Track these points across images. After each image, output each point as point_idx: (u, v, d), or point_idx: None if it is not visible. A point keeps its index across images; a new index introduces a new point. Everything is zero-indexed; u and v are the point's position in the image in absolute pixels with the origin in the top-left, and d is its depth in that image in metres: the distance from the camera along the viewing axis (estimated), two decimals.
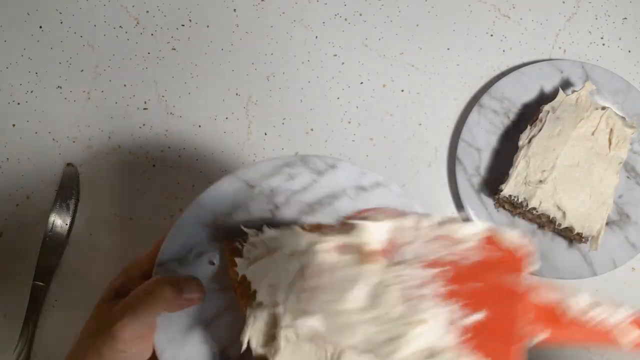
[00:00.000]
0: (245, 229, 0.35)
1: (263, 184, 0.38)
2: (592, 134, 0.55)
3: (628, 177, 0.57)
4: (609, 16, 0.63)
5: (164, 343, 0.35)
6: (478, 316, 0.24)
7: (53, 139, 0.60)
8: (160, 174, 0.59)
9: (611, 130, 0.55)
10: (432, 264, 0.25)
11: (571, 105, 0.56)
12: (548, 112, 0.55)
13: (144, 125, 0.60)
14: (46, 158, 0.59)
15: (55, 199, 0.57)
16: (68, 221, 0.57)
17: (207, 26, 0.63)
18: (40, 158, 0.59)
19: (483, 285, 0.25)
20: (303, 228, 0.33)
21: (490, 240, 0.26)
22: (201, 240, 0.37)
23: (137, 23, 0.63)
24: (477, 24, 0.63)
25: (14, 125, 0.60)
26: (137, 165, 0.59)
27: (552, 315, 0.26)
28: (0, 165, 0.59)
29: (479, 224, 0.26)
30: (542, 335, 0.25)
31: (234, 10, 0.63)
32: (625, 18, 0.63)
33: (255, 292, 0.32)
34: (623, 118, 0.56)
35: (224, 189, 0.38)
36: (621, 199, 0.56)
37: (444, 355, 0.23)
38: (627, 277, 0.57)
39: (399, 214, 0.27)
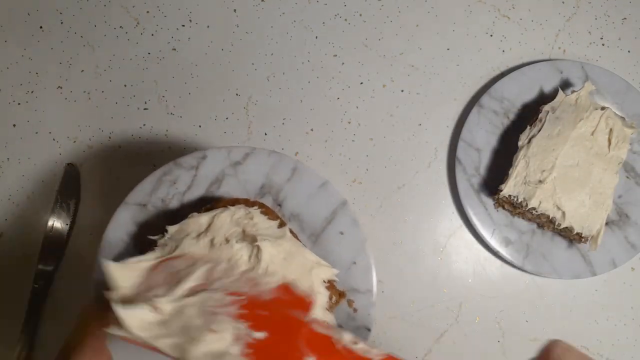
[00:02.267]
0: (152, 237, 0.39)
1: (152, 199, 0.43)
2: (592, 134, 0.55)
3: (627, 177, 0.57)
4: (609, 16, 0.63)
5: None
6: (260, 335, 0.30)
7: (53, 139, 0.60)
8: None
9: (611, 130, 0.55)
10: (233, 293, 0.32)
11: (571, 105, 0.56)
12: (548, 112, 0.55)
13: (144, 125, 0.60)
14: (46, 158, 0.59)
15: (55, 199, 0.57)
16: (68, 221, 0.57)
17: (207, 26, 0.63)
18: (40, 158, 0.59)
19: (270, 313, 0.32)
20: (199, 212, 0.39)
21: (285, 287, 0.34)
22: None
23: (138, 23, 0.63)
24: (477, 24, 0.63)
25: (14, 125, 0.60)
26: (137, 165, 0.59)
27: (329, 343, 0.32)
28: (0, 165, 0.59)
29: (275, 279, 0.34)
30: (311, 357, 0.31)
31: (234, 10, 0.64)
32: (625, 18, 0.63)
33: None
34: (623, 118, 0.56)
35: (122, 218, 0.43)
36: (621, 199, 0.57)
37: (230, 357, 0.29)
38: (626, 277, 0.57)
39: (212, 258, 0.34)
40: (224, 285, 0.33)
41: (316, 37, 0.63)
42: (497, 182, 0.55)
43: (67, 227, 0.57)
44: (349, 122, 0.61)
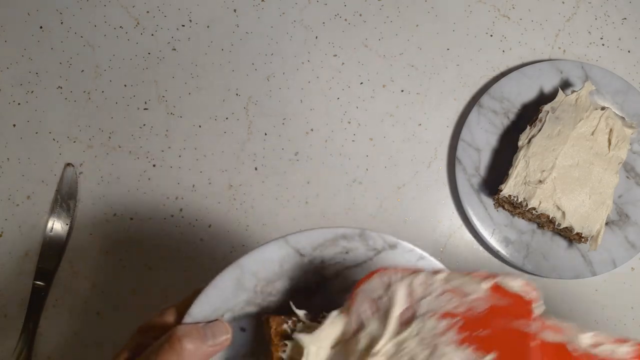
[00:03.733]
0: (296, 311, 0.33)
1: (315, 254, 0.35)
2: (592, 134, 0.55)
3: (627, 177, 0.57)
4: (609, 16, 0.63)
5: None
6: (489, 358, 0.27)
7: (53, 139, 0.60)
8: (160, 174, 0.59)
9: (611, 130, 0.55)
10: (446, 315, 0.29)
11: (571, 105, 0.56)
12: (548, 112, 0.55)
13: (144, 125, 0.60)
14: (46, 158, 0.59)
15: (55, 199, 0.57)
16: (68, 221, 0.57)
17: (207, 26, 0.63)
18: (40, 158, 0.59)
19: (492, 330, 0.28)
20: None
21: (496, 288, 0.29)
22: (236, 305, 0.34)
23: (138, 23, 0.63)
24: (477, 24, 0.63)
25: (14, 125, 0.60)
26: (137, 165, 0.59)
27: (564, 353, 0.28)
28: (1, 165, 0.59)
29: (482, 278, 0.29)
30: None
31: (234, 10, 0.64)
32: (625, 18, 0.63)
33: None
34: (623, 118, 0.56)
35: (272, 254, 0.35)
36: (621, 199, 0.57)
37: None
38: (626, 277, 0.57)
39: (411, 270, 0.30)
40: (432, 306, 0.29)
41: (316, 37, 0.63)
42: (497, 182, 0.55)
43: (67, 227, 0.57)
44: (349, 122, 0.61)
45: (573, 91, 0.57)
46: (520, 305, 0.29)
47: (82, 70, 0.61)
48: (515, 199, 0.54)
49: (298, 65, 0.62)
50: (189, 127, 0.60)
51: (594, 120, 0.55)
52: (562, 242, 0.56)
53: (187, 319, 0.33)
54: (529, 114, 0.58)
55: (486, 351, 0.28)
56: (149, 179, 0.59)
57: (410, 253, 0.36)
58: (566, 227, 0.53)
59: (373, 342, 0.29)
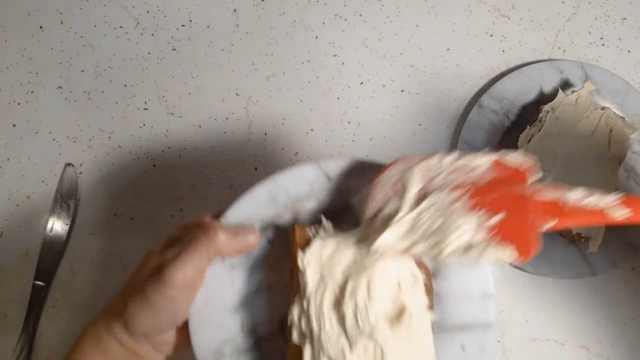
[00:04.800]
0: (324, 220, 0.36)
1: (342, 180, 0.38)
2: (592, 134, 0.55)
3: (628, 177, 0.57)
4: (609, 16, 0.63)
5: (200, 303, 0.36)
6: (498, 217, 0.32)
7: (53, 139, 0.60)
8: (160, 174, 0.59)
9: (611, 130, 0.55)
10: (456, 187, 0.33)
11: (571, 105, 0.56)
12: (548, 112, 0.55)
13: (144, 125, 0.60)
14: (46, 158, 0.59)
15: (55, 199, 0.57)
16: (68, 221, 0.57)
17: (207, 26, 0.63)
18: (40, 158, 0.59)
19: (498, 194, 0.33)
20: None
21: (497, 163, 0.34)
22: (266, 216, 0.37)
23: (138, 23, 0.63)
24: (477, 24, 0.63)
25: (14, 125, 0.60)
26: (137, 165, 0.59)
27: (556, 207, 0.33)
28: (1, 165, 0.59)
29: (487, 154, 0.34)
30: (550, 223, 0.32)
31: (234, 10, 0.64)
32: (625, 18, 0.63)
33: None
34: (623, 118, 0.56)
35: (304, 175, 0.38)
36: None
37: (477, 247, 0.31)
38: (627, 277, 0.57)
39: (425, 156, 0.34)
40: (444, 182, 0.33)
41: (316, 37, 0.63)
42: None
43: (67, 227, 0.57)
44: (349, 122, 0.61)
45: (573, 91, 0.57)
46: (517, 175, 0.34)
47: (82, 70, 0.61)
48: None
49: (298, 65, 0.62)
50: (189, 127, 0.60)
51: (594, 120, 0.55)
52: (562, 242, 0.56)
53: (223, 221, 0.37)
54: (529, 114, 0.58)
55: (495, 212, 0.32)
56: (149, 179, 0.59)
57: None
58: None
59: (392, 215, 0.32)
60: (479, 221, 0.32)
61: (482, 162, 0.34)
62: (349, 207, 0.38)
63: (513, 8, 0.64)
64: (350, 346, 0.32)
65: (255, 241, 0.36)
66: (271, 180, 0.38)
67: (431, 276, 0.37)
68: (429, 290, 0.37)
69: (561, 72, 0.59)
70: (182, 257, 0.33)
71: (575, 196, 0.33)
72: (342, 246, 0.34)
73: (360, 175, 0.38)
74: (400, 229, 0.32)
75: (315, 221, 0.37)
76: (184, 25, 0.63)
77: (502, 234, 0.31)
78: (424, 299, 0.35)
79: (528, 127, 0.56)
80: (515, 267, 0.56)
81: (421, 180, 0.33)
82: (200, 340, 0.36)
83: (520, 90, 0.59)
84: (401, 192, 0.33)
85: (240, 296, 0.37)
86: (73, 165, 0.58)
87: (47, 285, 0.55)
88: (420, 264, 0.36)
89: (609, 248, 0.55)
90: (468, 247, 0.31)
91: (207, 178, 0.59)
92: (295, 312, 0.33)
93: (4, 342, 0.54)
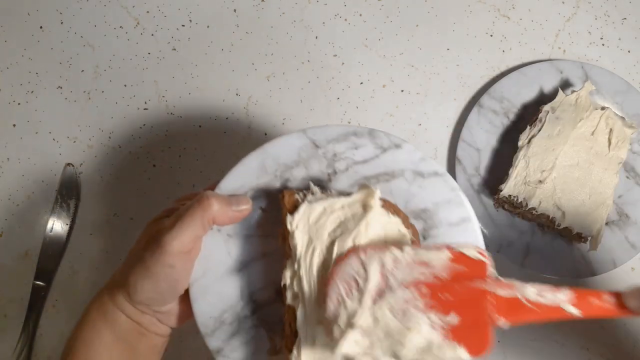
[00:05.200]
0: (312, 185, 0.37)
1: (328, 147, 0.40)
2: (592, 134, 0.55)
3: (627, 177, 0.57)
4: (609, 16, 0.63)
5: (200, 272, 0.37)
6: (451, 318, 0.32)
7: (53, 139, 0.60)
8: (160, 174, 0.59)
9: (611, 130, 0.55)
10: (412, 284, 0.33)
11: (571, 105, 0.56)
12: (548, 112, 0.55)
13: (144, 125, 0.60)
14: (46, 158, 0.59)
15: (55, 199, 0.57)
16: (68, 221, 0.57)
17: (207, 26, 0.63)
18: (40, 158, 0.59)
19: (453, 293, 0.33)
20: None
21: (457, 256, 0.34)
22: (258, 184, 0.39)
23: (138, 23, 0.63)
24: (477, 24, 0.63)
25: (14, 125, 0.60)
26: (137, 165, 0.59)
27: (517, 303, 0.33)
28: (1, 165, 0.59)
29: (442, 250, 0.34)
30: (510, 321, 0.33)
31: (234, 10, 0.64)
32: (625, 18, 0.63)
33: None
34: (623, 118, 0.56)
35: (292, 143, 0.39)
36: (621, 199, 0.57)
37: (434, 347, 0.31)
38: (626, 277, 0.57)
39: (381, 248, 0.34)
40: (400, 279, 0.33)
41: (316, 37, 0.63)
42: (497, 182, 0.55)
43: (67, 227, 0.57)
44: (349, 122, 0.61)
45: (573, 91, 0.57)
46: (476, 269, 0.34)
47: (82, 70, 0.61)
48: (515, 199, 0.54)
49: (298, 65, 0.62)
50: (189, 127, 0.60)
51: (594, 120, 0.55)
52: (562, 242, 0.56)
53: (217, 191, 0.38)
54: (529, 114, 0.58)
55: (448, 312, 0.32)
56: (149, 179, 0.59)
57: (413, 154, 0.40)
58: (566, 227, 0.53)
59: (351, 318, 0.32)
60: (432, 322, 0.32)
61: (440, 258, 0.34)
62: (336, 172, 0.39)
63: (513, 8, 0.64)
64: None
65: (248, 209, 0.37)
66: (261, 150, 0.39)
67: (418, 235, 0.39)
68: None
69: (561, 72, 0.59)
70: (179, 226, 0.34)
71: (533, 291, 0.33)
72: (329, 210, 0.35)
73: (345, 141, 0.39)
74: (360, 332, 0.32)
75: (304, 187, 0.38)
76: (184, 25, 0.63)
77: (454, 335, 0.32)
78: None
79: (528, 127, 0.56)
80: (516, 267, 0.56)
81: (379, 274, 0.33)
82: (201, 308, 0.37)
83: (520, 90, 0.59)
84: (361, 286, 0.33)
85: (237, 264, 0.38)
86: (73, 165, 0.58)
87: (47, 285, 0.55)
88: (407, 223, 0.37)
89: (609, 248, 0.55)
90: (427, 348, 0.31)
91: (207, 178, 0.59)
92: (287, 274, 0.35)
93: (4, 342, 0.54)
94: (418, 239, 0.38)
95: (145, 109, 0.61)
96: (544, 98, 0.59)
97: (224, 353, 0.37)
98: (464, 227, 0.40)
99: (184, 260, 0.35)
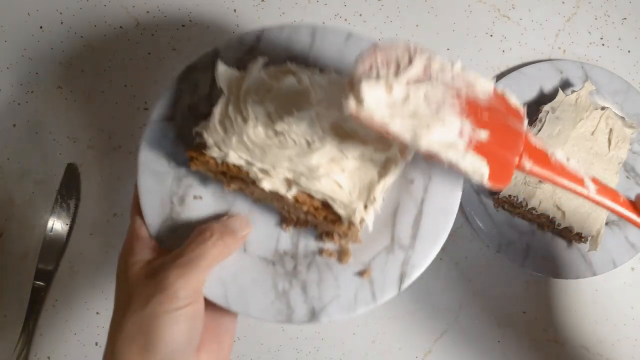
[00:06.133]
0: (196, 128, 0.38)
1: (180, 109, 0.42)
2: (592, 134, 0.55)
3: (628, 177, 0.57)
4: (609, 16, 0.63)
5: (218, 284, 0.37)
6: (483, 133, 0.32)
7: (53, 139, 0.60)
8: None
9: (611, 130, 0.55)
10: (452, 89, 0.32)
11: (571, 105, 0.56)
12: (547, 112, 0.55)
13: (144, 125, 0.60)
14: (46, 158, 0.59)
15: (55, 199, 0.57)
16: (68, 221, 0.57)
17: (207, 27, 0.63)
18: (40, 158, 0.59)
19: (490, 116, 0.32)
20: None
21: (498, 95, 0.34)
22: (171, 187, 0.39)
23: (138, 23, 0.63)
24: (477, 24, 0.63)
25: (14, 125, 0.60)
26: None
27: (544, 156, 0.34)
28: (1, 165, 0.59)
29: (491, 82, 0.34)
30: (534, 167, 0.33)
31: (234, 10, 0.64)
32: (625, 18, 0.63)
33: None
34: (623, 118, 0.56)
35: (152, 135, 0.41)
36: None
37: (456, 150, 0.31)
38: (626, 277, 0.57)
39: (434, 52, 0.33)
40: (444, 81, 0.32)
41: None
42: None
43: (67, 227, 0.57)
44: None
45: (573, 91, 0.57)
46: (514, 115, 0.34)
47: (82, 70, 0.61)
48: (515, 199, 0.54)
49: None
50: None
51: (594, 120, 0.55)
52: (562, 242, 0.56)
53: (151, 228, 0.38)
54: (529, 114, 0.58)
55: (481, 127, 0.32)
56: None
57: (229, 44, 0.43)
58: (566, 227, 0.53)
59: (383, 79, 0.31)
60: (463, 127, 0.31)
61: (486, 85, 0.33)
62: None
63: (513, 8, 0.64)
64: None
65: (249, 229, 0.38)
66: (140, 167, 0.40)
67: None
68: None
69: (561, 72, 0.59)
70: (189, 272, 0.33)
71: (562, 154, 0.34)
72: (225, 113, 0.37)
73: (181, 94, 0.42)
74: (389, 94, 0.31)
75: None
76: (184, 26, 0.63)
77: (481, 150, 0.31)
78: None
79: (528, 127, 0.56)
80: (516, 267, 0.56)
81: (422, 69, 0.32)
82: (256, 307, 0.37)
83: (520, 90, 0.59)
84: (399, 67, 0.32)
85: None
86: (73, 165, 0.58)
87: (47, 285, 0.55)
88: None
89: (609, 248, 0.55)
90: (450, 145, 0.31)
91: None
92: (265, 184, 0.35)
93: (4, 342, 0.54)
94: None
95: (145, 109, 0.61)
96: (544, 98, 0.59)
97: (321, 311, 0.37)
98: (353, 40, 0.43)
99: (192, 303, 0.32)
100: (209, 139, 0.36)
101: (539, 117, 0.55)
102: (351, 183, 0.36)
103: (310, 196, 0.35)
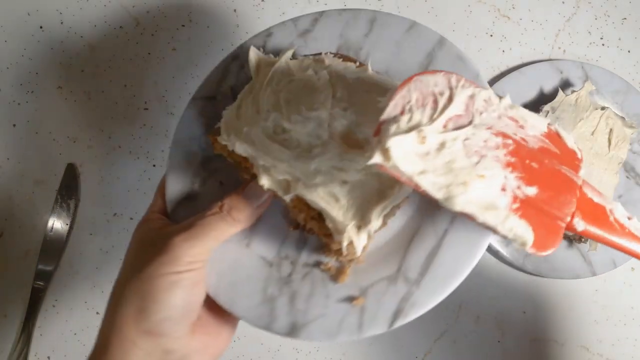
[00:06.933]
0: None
1: (222, 89, 0.40)
2: (592, 134, 0.55)
3: (628, 177, 0.57)
4: (609, 16, 0.63)
5: (213, 278, 0.35)
6: (531, 190, 0.27)
7: (53, 139, 0.60)
8: (160, 174, 0.59)
9: (611, 130, 0.55)
10: (498, 134, 0.28)
11: (571, 105, 0.56)
12: (547, 112, 0.55)
13: (144, 125, 0.60)
14: (46, 158, 0.59)
15: (55, 199, 0.57)
16: (68, 221, 0.57)
17: (207, 26, 0.63)
18: (40, 158, 0.59)
19: (540, 166, 0.28)
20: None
21: (552, 135, 0.29)
22: (197, 168, 0.38)
23: (138, 23, 0.63)
24: (477, 24, 0.63)
25: (14, 125, 0.60)
26: (137, 165, 0.59)
27: (603, 213, 0.29)
28: (1, 165, 0.59)
29: (545, 119, 0.29)
30: (589, 227, 0.28)
31: (234, 10, 0.63)
32: (625, 18, 0.63)
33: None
34: (623, 118, 0.56)
35: (190, 114, 0.40)
36: (621, 199, 0.56)
37: (497, 211, 0.26)
38: (626, 277, 0.57)
39: (479, 85, 0.29)
40: (488, 122, 0.28)
41: None
42: None
43: (67, 227, 0.57)
44: None
45: (573, 91, 0.57)
46: (570, 158, 0.29)
47: (82, 70, 0.61)
48: None
49: None
50: None
51: (594, 120, 0.55)
52: (562, 243, 0.56)
53: (169, 205, 0.38)
54: None
55: (529, 182, 0.27)
56: (149, 179, 0.59)
57: (284, 26, 0.41)
58: None
59: (415, 126, 0.27)
60: (507, 182, 0.27)
61: (538, 123, 0.29)
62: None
63: (513, 8, 0.64)
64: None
65: (267, 199, 0.35)
66: (173, 145, 0.39)
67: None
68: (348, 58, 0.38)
69: (561, 72, 0.59)
70: (195, 233, 0.32)
71: (623, 212, 0.29)
72: (243, 100, 0.36)
73: (229, 73, 0.40)
74: (420, 145, 0.27)
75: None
76: (184, 26, 0.63)
77: (526, 211, 0.27)
78: (362, 68, 0.36)
79: None
80: (516, 267, 0.56)
81: (465, 106, 0.28)
82: (243, 307, 0.34)
83: (520, 90, 0.59)
84: (437, 107, 0.28)
85: (243, 237, 0.37)
86: (73, 165, 0.58)
87: (47, 285, 0.55)
88: (346, 59, 0.37)
89: (609, 248, 0.55)
90: (489, 206, 0.26)
91: None
92: (263, 179, 0.33)
93: (4, 342, 0.54)
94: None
95: (145, 109, 0.61)
96: (544, 98, 0.59)
97: (302, 327, 0.34)
98: (415, 31, 0.39)
99: (194, 270, 0.31)
100: (223, 125, 0.35)
101: None
102: (350, 199, 0.32)
103: (307, 204, 0.33)
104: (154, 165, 0.59)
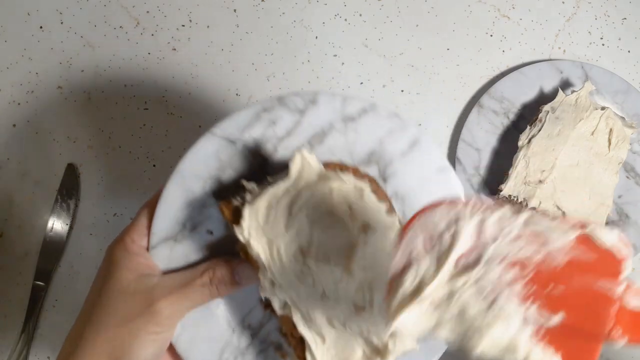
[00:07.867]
0: (245, 184, 0.33)
1: (244, 137, 0.35)
2: (592, 134, 0.55)
3: (627, 177, 0.57)
4: (609, 16, 0.63)
5: (179, 328, 0.35)
6: (555, 319, 0.24)
7: (53, 139, 0.60)
8: (161, 174, 0.59)
9: (611, 130, 0.55)
10: (514, 264, 0.25)
11: (571, 105, 0.56)
12: (547, 112, 0.55)
13: (144, 125, 0.60)
14: (46, 158, 0.59)
15: (56, 199, 0.57)
16: (68, 221, 0.57)
17: (207, 26, 0.63)
18: (40, 158, 0.59)
19: (566, 287, 0.25)
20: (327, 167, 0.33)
21: (584, 240, 0.25)
22: (192, 210, 0.35)
23: (138, 23, 0.63)
24: (477, 24, 0.63)
25: (14, 125, 0.60)
26: (137, 165, 0.59)
27: None
28: (1, 165, 0.59)
29: (570, 227, 0.25)
30: (623, 339, 0.24)
31: (234, 10, 0.64)
32: (625, 18, 0.63)
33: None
34: (623, 118, 0.56)
35: (204, 151, 0.35)
36: (621, 199, 0.57)
37: (520, 348, 0.24)
38: (626, 277, 0.57)
39: (486, 206, 0.26)
40: (502, 251, 0.25)
41: (316, 37, 0.63)
42: (497, 182, 0.55)
43: (67, 227, 0.57)
44: None
45: (573, 91, 0.57)
46: (608, 263, 0.25)
47: (82, 70, 0.61)
48: (515, 199, 0.54)
49: (298, 65, 0.62)
50: (189, 127, 0.60)
51: (594, 120, 0.55)
52: None
53: (153, 238, 0.35)
54: (529, 114, 0.58)
55: (554, 310, 0.24)
56: (149, 179, 0.59)
57: (332, 101, 0.36)
58: None
59: (422, 285, 0.25)
60: (529, 313, 0.25)
61: (563, 237, 0.25)
62: (265, 159, 0.36)
63: (513, 8, 0.64)
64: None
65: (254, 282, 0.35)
66: (175, 174, 0.35)
67: (376, 181, 0.36)
68: (382, 194, 0.35)
69: (561, 72, 0.59)
70: (179, 302, 0.33)
71: None
72: (274, 201, 0.32)
73: (259, 121, 0.36)
74: (428, 304, 0.25)
75: (239, 188, 0.35)
76: (184, 25, 0.63)
77: (554, 339, 0.24)
78: (379, 207, 0.32)
79: (528, 127, 0.56)
80: None
81: (473, 239, 0.25)
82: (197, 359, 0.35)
83: (520, 90, 0.59)
84: (442, 251, 0.26)
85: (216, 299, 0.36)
86: (73, 165, 0.58)
87: (47, 285, 0.55)
88: (359, 174, 0.34)
89: None
90: (509, 347, 0.24)
91: None
92: (265, 285, 0.32)
93: (4, 342, 0.54)
94: (378, 184, 0.36)
95: (145, 109, 0.61)
96: (544, 98, 0.59)
97: None
98: (417, 150, 0.36)
99: (170, 330, 0.33)
100: (246, 218, 0.32)
101: (539, 117, 0.55)
102: (336, 346, 0.32)
103: (295, 325, 0.32)
104: (154, 166, 0.59)
